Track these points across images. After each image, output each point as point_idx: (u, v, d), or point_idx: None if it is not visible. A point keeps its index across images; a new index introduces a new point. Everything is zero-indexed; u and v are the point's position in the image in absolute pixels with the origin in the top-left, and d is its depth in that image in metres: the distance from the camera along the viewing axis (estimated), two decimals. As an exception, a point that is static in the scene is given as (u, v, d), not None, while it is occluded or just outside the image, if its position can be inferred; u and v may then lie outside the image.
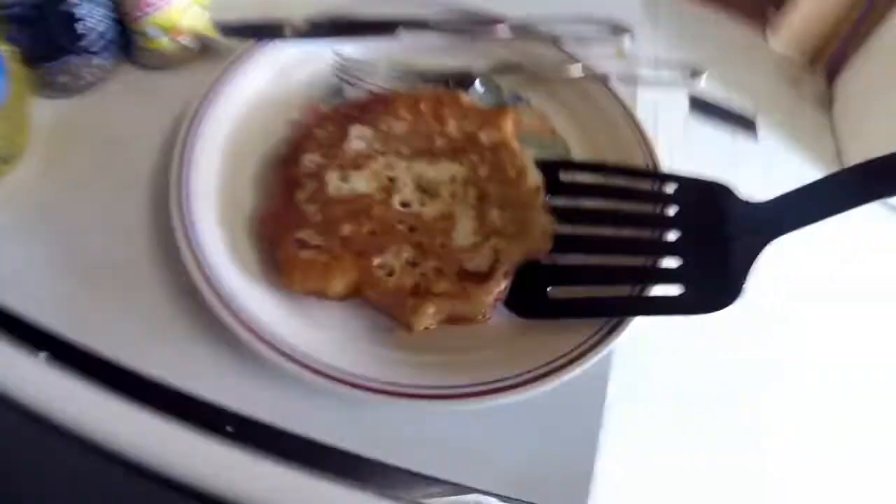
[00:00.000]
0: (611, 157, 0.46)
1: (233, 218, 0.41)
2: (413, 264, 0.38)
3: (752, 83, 2.45)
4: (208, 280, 0.36)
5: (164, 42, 0.48)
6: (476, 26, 0.52)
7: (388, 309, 0.37)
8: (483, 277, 0.37)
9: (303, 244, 0.38)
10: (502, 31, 0.51)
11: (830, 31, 2.48)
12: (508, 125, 0.44)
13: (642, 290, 0.38)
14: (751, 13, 2.76)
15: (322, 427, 0.35)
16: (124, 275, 0.40)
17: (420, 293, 0.36)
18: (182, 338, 0.38)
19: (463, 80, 0.50)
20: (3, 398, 0.36)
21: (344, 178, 0.40)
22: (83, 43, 0.46)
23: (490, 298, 0.37)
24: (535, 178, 0.41)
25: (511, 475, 0.35)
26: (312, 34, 0.50)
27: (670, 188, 0.42)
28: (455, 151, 0.42)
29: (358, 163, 0.41)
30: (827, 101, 2.42)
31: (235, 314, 0.35)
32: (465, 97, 0.45)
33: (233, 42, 0.50)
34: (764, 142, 2.25)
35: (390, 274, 0.37)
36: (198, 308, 0.37)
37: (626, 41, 0.53)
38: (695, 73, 0.52)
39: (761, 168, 2.14)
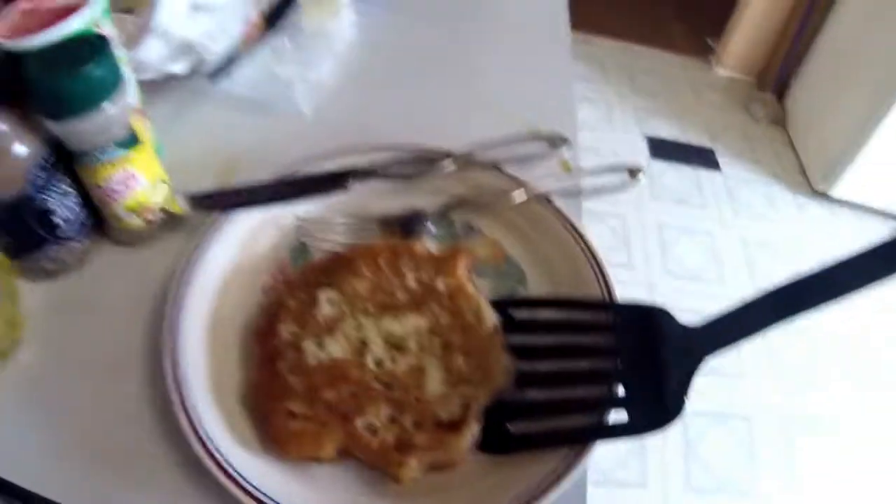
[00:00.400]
0: (562, 273, 0.50)
1: (224, 388, 0.43)
2: (393, 420, 0.40)
3: (705, 114, 2.53)
4: (211, 455, 0.38)
5: (136, 221, 0.51)
6: (421, 166, 0.55)
7: (376, 464, 0.39)
8: (456, 425, 0.40)
9: (292, 415, 0.41)
10: (447, 166, 0.55)
11: (772, 49, 2.57)
12: (461, 269, 0.47)
13: (595, 417, 0.41)
14: (691, 47, 2.86)
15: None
16: (126, 451, 0.42)
17: (403, 447, 0.39)
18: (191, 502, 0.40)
19: (415, 221, 0.53)
20: None
21: (320, 345, 0.43)
22: (59, 232, 0.49)
23: (465, 444, 0.40)
24: (491, 319, 0.44)
25: None
26: (268, 198, 0.53)
27: (613, 316, 0.45)
28: (416, 303, 0.45)
29: (330, 327, 0.44)
30: (781, 118, 2.50)
31: (242, 486, 0.37)
32: (419, 246, 0.49)
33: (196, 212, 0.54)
34: (727, 169, 2.31)
35: (374, 432, 0.40)
36: (202, 480, 0.39)
37: (566, 152, 0.57)
38: (633, 173, 0.55)
39: (728, 197, 2.20)
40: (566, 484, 0.38)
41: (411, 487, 0.40)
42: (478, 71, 0.75)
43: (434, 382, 0.42)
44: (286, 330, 0.44)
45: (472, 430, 0.40)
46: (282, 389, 0.42)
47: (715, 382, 1.70)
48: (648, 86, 2.68)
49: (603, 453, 1.52)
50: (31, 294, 0.50)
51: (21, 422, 0.44)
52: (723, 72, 2.79)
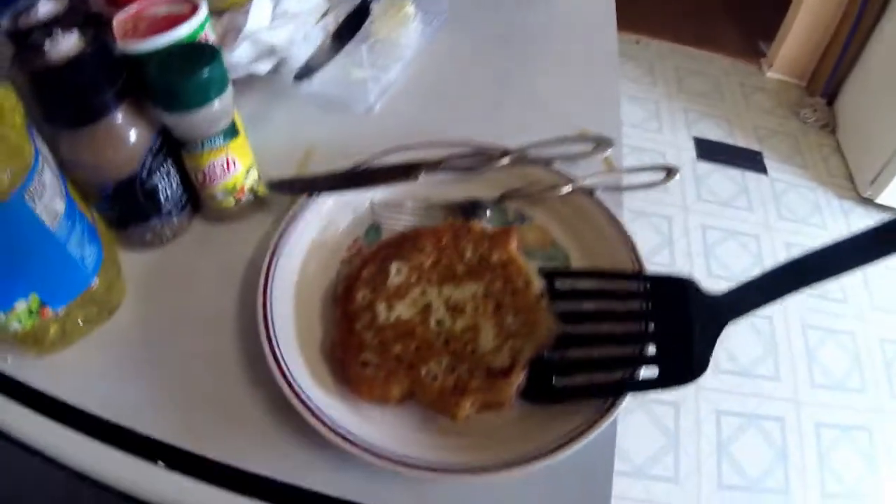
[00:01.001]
0: (602, 258, 0.55)
1: (307, 342, 0.50)
2: (451, 369, 0.47)
3: (753, 117, 2.53)
4: (298, 396, 0.45)
5: (229, 201, 0.58)
6: (481, 161, 0.61)
7: (436, 406, 0.46)
8: (506, 372, 0.47)
9: (365, 364, 0.48)
10: (504, 162, 0.61)
11: (823, 54, 2.55)
12: (513, 244, 0.54)
13: (630, 373, 0.46)
14: (741, 49, 2.85)
15: (394, 502, 0.44)
16: (217, 397, 0.48)
17: (459, 391, 0.46)
18: (276, 443, 0.46)
19: (475, 207, 0.59)
20: (135, 500, 0.44)
21: (390, 308, 0.51)
22: (164, 209, 0.56)
23: (513, 388, 0.46)
24: (538, 285, 0.51)
25: None
26: (343, 185, 0.60)
27: (646, 285, 0.50)
28: (473, 273, 0.52)
29: (399, 293, 0.51)
30: (830, 123, 2.48)
31: (323, 422, 0.44)
32: (477, 225, 0.56)
33: (278, 196, 0.61)
34: (774, 173, 2.31)
35: (435, 379, 0.47)
36: (289, 418, 0.45)
37: (610, 152, 0.62)
38: (669, 172, 0.60)
39: (774, 201, 2.20)
40: (600, 428, 0.44)
41: (461, 430, 0.46)
42: (531, 77, 0.80)
43: (487, 338, 0.49)
44: (361, 295, 0.51)
45: (519, 377, 0.47)
46: (357, 344, 0.49)
47: (749, 384, 1.72)
48: (697, 87, 2.68)
49: (637, 448, 1.56)
50: (133, 262, 0.57)
51: (123, 372, 0.50)
52: (773, 75, 2.77)
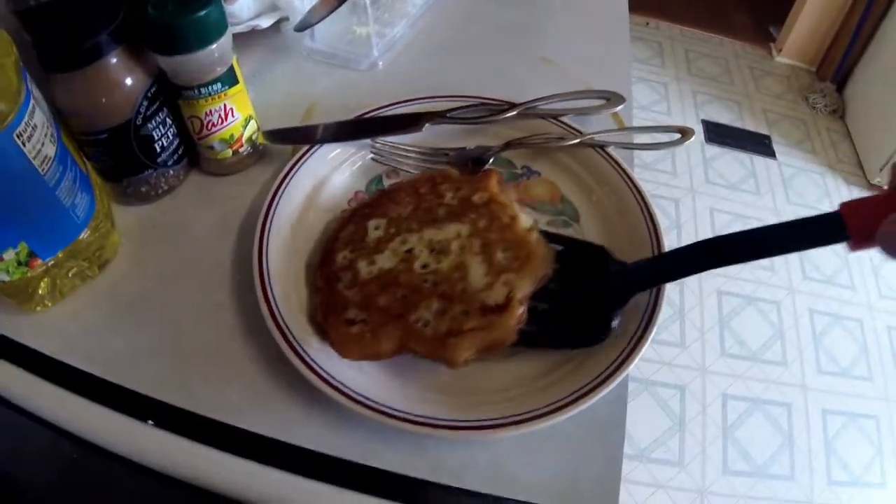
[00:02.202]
0: (612, 213, 0.54)
1: (304, 296, 0.49)
2: (443, 312, 0.44)
3: (763, 101, 2.51)
4: (294, 349, 0.43)
5: (226, 153, 0.57)
6: (487, 113, 0.59)
7: (432, 353, 0.43)
8: (502, 308, 0.44)
9: (351, 322, 0.45)
10: (510, 114, 0.59)
11: (833, 39, 2.53)
12: (493, 184, 0.51)
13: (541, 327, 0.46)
14: (752, 33, 2.83)
15: (398, 461, 0.42)
16: (215, 351, 0.47)
17: (454, 334, 0.43)
18: (272, 399, 0.44)
19: (480, 158, 0.58)
20: (123, 460, 0.43)
21: (371, 263, 0.48)
22: (159, 159, 0.54)
23: (512, 322, 0.43)
24: (526, 220, 0.49)
25: (549, 489, 0.41)
26: (345, 135, 0.58)
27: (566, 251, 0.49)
28: (456, 215, 0.50)
29: (379, 247, 0.49)
30: (840, 109, 2.47)
31: (319, 375, 0.42)
32: (453, 171, 0.54)
33: (278, 146, 0.59)
34: (783, 157, 2.30)
35: (426, 325, 0.44)
36: (285, 373, 0.44)
37: (622, 108, 0.60)
38: (683, 134, 0.57)
39: (782, 185, 2.19)
40: (610, 385, 0.42)
41: (469, 386, 0.45)
42: (540, 35, 0.78)
43: (477, 275, 0.45)
44: (342, 256, 0.49)
45: (518, 310, 0.44)
46: (340, 303, 0.46)
47: (756, 368, 1.71)
48: (707, 70, 2.67)
49: (642, 432, 1.55)
50: (127, 215, 0.55)
51: (114, 327, 0.49)
52: (783, 60, 2.75)
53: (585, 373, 0.43)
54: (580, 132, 0.57)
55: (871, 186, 2.21)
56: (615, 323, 0.45)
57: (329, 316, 0.46)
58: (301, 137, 0.59)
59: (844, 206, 0.38)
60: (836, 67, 2.54)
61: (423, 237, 0.48)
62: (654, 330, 0.45)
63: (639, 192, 0.53)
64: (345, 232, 0.51)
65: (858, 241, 0.37)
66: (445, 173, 0.53)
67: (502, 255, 0.46)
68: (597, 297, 0.46)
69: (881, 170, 2.14)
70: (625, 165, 0.55)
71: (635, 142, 0.58)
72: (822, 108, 2.51)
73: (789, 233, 0.41)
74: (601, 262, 0.48)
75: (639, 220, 0.52)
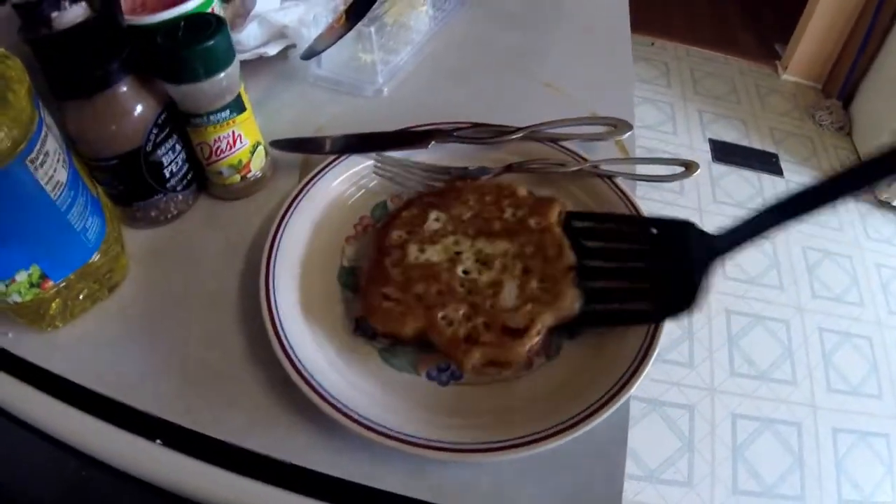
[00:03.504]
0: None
1: (311, 320, 0.50)
2: (468, 318, 0.47)
3: (769, 119, 2.52)
4: (300, 373, 0.44)
5: (234, 178, 0.58)
6: (492, 134, 0.60)
7: (445, 350, 0.46)
8: (520, 333, 0.46)
9: (386, 297, 0.48)
10: (515, 136, 0.60)
11: (839, 56, 2.54)
12: (554, 213, 0.53)
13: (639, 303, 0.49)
14: (757, 51, 2.84)
15: (401, 483, 0.42)
16: (222, 374, 0.48)
17: (470, 341, 0.46)
18: (278, 422, 0.45)
19: (482, 177, 0.58)
20: (129, 478, 0.43)
21: (421, 250, 0.51)
22: (168, 185, 0.55)
23: (523, 349, 0.45)
24: (570, 258, 0.50)
25: None
26: (353, 149, 0.60)
27: (652, 228, 0.53)
28: (509, 232, 0.52)
29: (433, 239, 0.52)
30: (846, 126, 2.47)
31: (326, 399, 0.43)
32: (522, 189, 0.55)
33: (288, 156, 0.61)
34: (790, 175, 2.30)
35: (450, 324, 0.47)
36: (292, 397, 0.45)
37: (627, 136, 0.61)
38: (688, 167, 0.58)
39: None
40: (615, 406, 0.42)
41: (469, 407, 0.46)
42: (544, 60, 0.79)
43: (509, 296, 0.48)
44: (396, 234, 0.52)
45: (532, 340, 0.46)
46: (382, 277, 0.50)
47: (765, 387, 1.70)
48: (712, 89, 2.67)
49: (651, 452, 1.54)
50: (136, 238, 0.56)
51: (123, 348, 0.50)
52: (789, 77, 2.76)
53: (588, 395, 0.44)
54: (584, 159, 0.58)
55: (879, 203, 2.20)
56: (704, 286, 0.47)
57: (370, 284, 0.50)
58: (309, 147, 0.60)
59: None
60: (841, 84, 2.55)
61: (475, 245, 0.51)
62: (657, 349, 0.45)
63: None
64: (407, 212, 0.54)
65: None
66: (513, 188, 0.55)
67: (537, 284, 0.49)
68: (690, 269, 0.48)
69: (888, 186, 2.14)
70: (629, 194, 0.56)
71: (638, 172, 0.58)
72: (829, 126, 2.51)
73: (851, 179, 0.43)
74: (687, 234, 0.50)
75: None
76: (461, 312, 0.47)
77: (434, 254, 0.51)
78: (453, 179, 0.58)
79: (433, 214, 0.53)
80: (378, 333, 0.49)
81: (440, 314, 0.47)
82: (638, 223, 0.54)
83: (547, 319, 0.47)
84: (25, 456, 0.59)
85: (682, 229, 0.51)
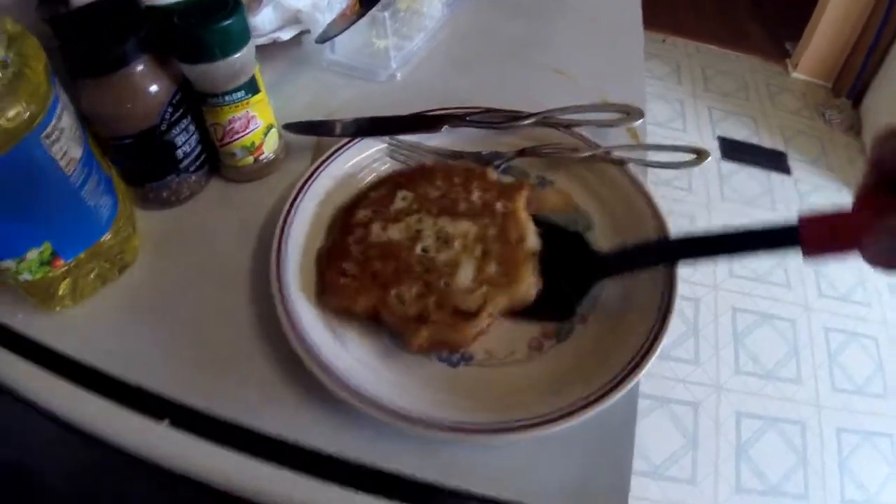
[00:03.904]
0: (627, 226, 0.54)
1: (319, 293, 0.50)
2: (420, 297, 0.47)
3: (778, 117, 2.51)
4: (308, 350, 0.44)
5: (248, 160, 0.58)
6: (504, 119, 0.60)
7: (395, 328, 0.47)
8: (469, 316, 0.46)
9: (343, 273, 0.49)
10: (527, 122, 0.60)
11: (849, 55, 2.53)
12: (521, 198, 0.53)
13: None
14: (768, 49, 2.83)
15: (409, 464, 0.42)
16: (232, 353, 0.48)
17: (420, 320, 0.46)
18: (287, 401, 0.45)
19: (494, 159, 0.59)
20: (137, 459, 0.43)
21: (384, 228, 0.51)
22: (181, 165, 0.55)
23: (473, 332, 0.46)
24: (532, 245, 0.51)
25: (558, 495, 0.41)
26: (365, 132, 0.60)
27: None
28: (473, 214, 0.52)
29: (397, 217, 0.52)
30: (856, 125, 2.46)
31: (333, 377, 0.43)
32: (492, 174, 0.55)
33: (300, 139, 0.61)
34: (797, 173, 2.29)
35: (402, 303, 0.47)
36: (300, 375, 0.45)
37: (639, 123, 0.61)
38: (700, 155, 0.58)
39: (798, 202, 2.18)
40: (622, 391, 0.42)
41: (479, 389, 0.46)
42: (555, 48, 0.79)
43: (464, 277, 0.48)
44: (363, 214, 0.53)
45: (482, 323, 0.46)
46: (342, 252, 0.50)
47: (770, 386, 1.70)
48: (723, 87, 2.67)
49: (655, 448, 1.54)
50: (148, 219, 0.57)
51: (133, 329, 0.50)
52: (799, 76, 2.75)
53: (598, 377, 0.44)
54: (596, 145, 0.58)
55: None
56: (578, 307, 0.49)
57: (331, 261, 0.50)
58: (321, 130, 0.60)
59: (802, 216, 0.40)
60: (851, 83, 2.54)
61: (437, 224, 0.51)
62: (667, 333, 0.45)
63: (653, 206, 0.54)
64: (376, 193, 0.54)
65: (811, 250, 0.40)
66: (483, 172, 0.56)
67: (495, 268, 0.49)
68: (570, 278, 0.50)
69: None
70: (641, 181, 0.55)
71: (649, 159, 0.58)
72: (838, 125, 2.50)
73: (748, 237, 0.43)
74: (580, 249, 0.52)
75: (652, 234, 0.52)
76: (414, 291, 0.47)
77: (396, 232, 0.51)
78: (453, 163, 0.59)
79: (400, 194, 0.54)
80: (332, 309, 0.49)
81: (393, 291, 0.47)
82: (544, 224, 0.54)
83: (499, 303, 0.47)
84: (36, 436, 0.59)
85: (572, 241, 0.52)
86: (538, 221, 0.53)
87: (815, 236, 0.39)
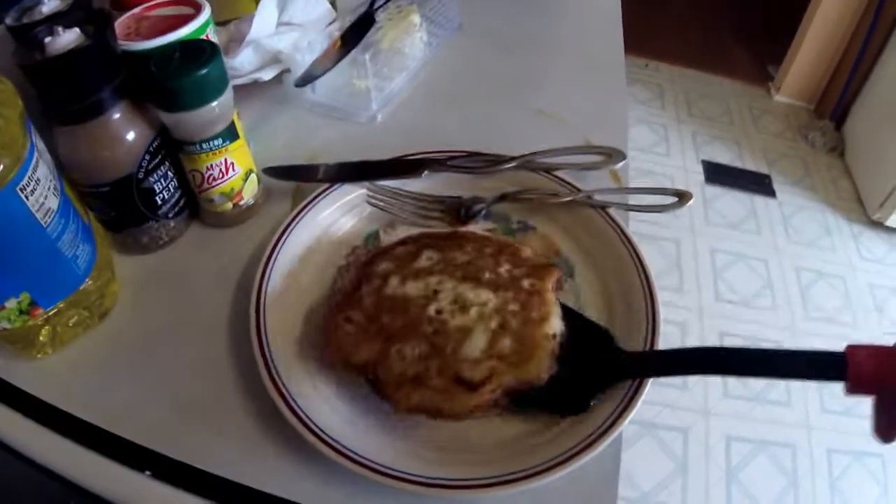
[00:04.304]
0: (608, 272, 0.54)
1: (300, 351, 0.49)
2: (422, 358, 0.44)
3: (762, 140, 2.53)
4: (287, 403, 0.43)
5: (226, 206, 0.58)
6: (486, 163, 0.60)
7: (385, 388, 0.44)
8: (470, 387, 0.43)
9: (349, 321, 0.47)
10: (509, 166, 0.59)
11: (831, 77, 2.57)
12: (550, 280, 0.50)
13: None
14: (750, 73, 2.86)
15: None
16: (212, 403, 0.47)
17: (416, 381, 0.43)
18: (266, 454, 0.44)
19: (474, 204, 0.59)
20: None
21: (401, 283, 0.49)
22: (160, 211, 0.55)
23: (470, 405, 0.43)
24: (554, 328, 0.47)
25: None
26: (345, 177, 0.59)
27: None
28: (497, 286, 0.49)
29: (418, 274, 0.49)
30: (839, 147, 2.49)
31: (314, 431, 0.42)
32: (526, 250, 0.53)
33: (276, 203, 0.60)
34: (783, 196, 2.31)
35: (402, 360, 0.44)
36: (280, 429, 0.44)
37: (620, 166, 0.61)
38: (682, 197, 0.57)
39: (783, 224, 2.20)
40: (603, 444, 0.42)
41: (457, 443, 0.45)
42: (537, 90, 0.80)
43: (474, 346, 0.45)
44: (383, 265, 0.50)
45: (482, 397, 0.43)
46: (354, 301, 0.48)
47: (760, 409, 1.70)
48: (706, 111, 2.69)
49: (644, 474, 1.54)
50: (126, 265, 0.56)
51: (113, 377, 0.49)
52: (781, 98, 2.78)
53: (579, 431, 0.43)
54: (577, 189, 0.58)
55: (871, 223, 2.22)
56: (594, 402, 0.45)
57: (340, 307, 0.48)
58: (302, 175, 0.60)
59: (850, 348, 0.39)
60: (834, 105, 2.57)
61: (457, 288, 0.48)
62: (647, 388, 0.45)
63: (635, 252, 0.53)
64: (402, 248, 0.52)
65: (855, 386, 0.39)
66: (519, 248, 0.53)
67: (509, 343, 0.45)
68: (589, 372, 0.46)
69: (880, 206, 2.15)
70: (622, 224, 0.55)
71: (631, 202, 0.58)
72: (821, 146, 2.53)
73: (791, 363, 0.42)
74: (603, 343, 0.49)
75: (634, 280, 0.52)
76: (418, 351, 0.44)
77: (413, 289, 0.48)
78: (447, 209, 0.58)
79: (427, 253, 0.51)
80: (329, 359, 0.47)
81: (396, 347, 0.45)
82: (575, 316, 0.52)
83: (506, 379, 0.44)
84: (13, 483, 0.58)
85: (598, 335, 0.50)
86: (566, 309, 0.50)
87: (858, 369, 0.38)
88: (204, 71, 0.49)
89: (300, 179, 0.61)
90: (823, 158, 2.50)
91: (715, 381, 1.75)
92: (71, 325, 0.50)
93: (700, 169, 2.39)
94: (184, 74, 0.48)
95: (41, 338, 0.49)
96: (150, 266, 0.57)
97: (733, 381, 1.75)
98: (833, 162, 2.49)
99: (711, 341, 1.84)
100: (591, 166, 0.61)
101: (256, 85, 0.69)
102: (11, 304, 0.45)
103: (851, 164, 2.43)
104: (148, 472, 0.43)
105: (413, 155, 0.62)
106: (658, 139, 2.51)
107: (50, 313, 0.47)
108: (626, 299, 0.52)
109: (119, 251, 0.57)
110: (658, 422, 1.65)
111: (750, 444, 1.64)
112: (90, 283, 0.50)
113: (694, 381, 1.74)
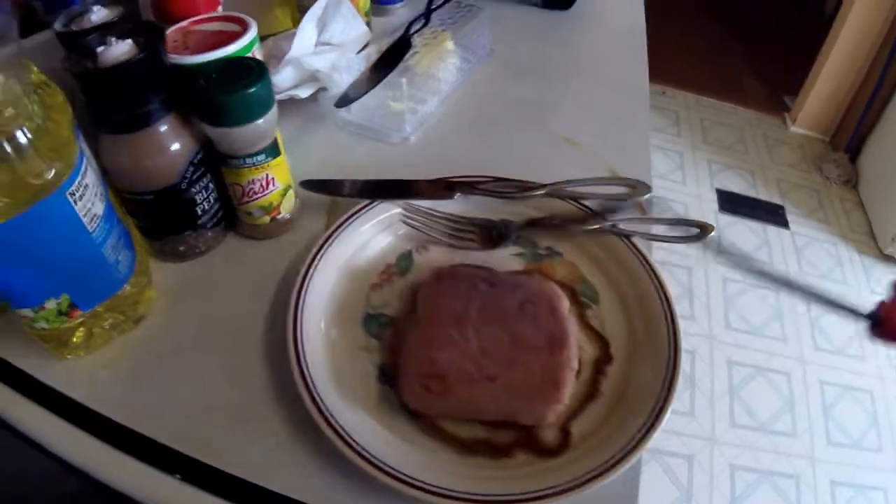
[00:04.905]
0: (632, 299, 0.55)
1: (336, 364, 0.50)
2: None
3: (776, 170, 2.54)
4: (323, 414, 0.44)
5: (265, 219, 0.59)
6: (517, 189, 0.61)
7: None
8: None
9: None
10: (539, 192, 0.61)
11: (847, 110, 2.57)
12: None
13: None
14: (766, 103, 2.87)
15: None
16: (244, 411, 0.48)
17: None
18: (299, 463, 0.45)
19: (505, 228, 0.60)
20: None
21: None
22: (200, 221, 0.56)
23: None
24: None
25: None
26: (379, 194, 0.61)
27: None
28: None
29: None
30: (853, 179, 2.49)
31: (350, 445, 0.43)
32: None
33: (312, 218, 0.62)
34: (796, 227, 2.31)
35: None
36: (313, 438, 0.45)
37: (646, 197, 0.62)
38: (703, 230, 0.59)
39: (795, 255, 2.20)
40: (632, 460, 0.43)
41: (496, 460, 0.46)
42: (563, 115, 0.81)
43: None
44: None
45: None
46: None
47: (765, 439, 1.70)
48: (721, 139, 2.70)
49: (650, 501, 1.53)
50: (163, 272, 0.57)
51: (145, 380, 0.50)
52: (797, 129, 2.78)
53: (606, 449, 0.44)
54: (603, 218, 0.59)
55: (883, 257, 2.22)
56: None
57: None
58: (338, 190, 0.62)
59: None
60: (849, 137, 2.57)
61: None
62: (670, 411, 0.46)
63: (659, 281, 0.55)
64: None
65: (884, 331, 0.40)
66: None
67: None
68: None
69: (893, 240, 2.15)
70: (646, 254, 0.57)
71: (654, 231, 0.59)
72: (836, 178, 2.53)
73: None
74: None
75: (657, 309, 0.53)
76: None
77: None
78: (477, 231, 0.60)
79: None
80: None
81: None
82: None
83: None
84: (40, 479, 0.59)
85: None
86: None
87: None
88: (253, 89, 0.50)
89: (336, 193, 0.62)
90: (837, 190, 2.51)
91: (722, 410, 1.75)
92: (106, 328, 0.51)
93: (714, 197, 2.40)
94: (233, 91, 0.50)
95: (75, 339, 0.50)
96: (185, 274, 0.58)
97: (740, 410, 1.75)
98: (847, 194, 2.49)
99: (721, 371, 1.84)
100: (617, 197, 0.62)
101: (292, 101, 0.70)
102: (51, 304, 0.46)
103: (865, 197, 2.43)
104: (178, 476, 0.44)
105: (446, 178, 0.63)
106: (674, 166, 2.52)
107: (87, 315, 0.48)
108: (648, 326, 0.53)
109: (156, 258, 0.58)
110: (664, 448, 1.65)
111: (755, 473, 1.64)
112: (128, 287, 0.51)
113: (702, 408, 1.74)
